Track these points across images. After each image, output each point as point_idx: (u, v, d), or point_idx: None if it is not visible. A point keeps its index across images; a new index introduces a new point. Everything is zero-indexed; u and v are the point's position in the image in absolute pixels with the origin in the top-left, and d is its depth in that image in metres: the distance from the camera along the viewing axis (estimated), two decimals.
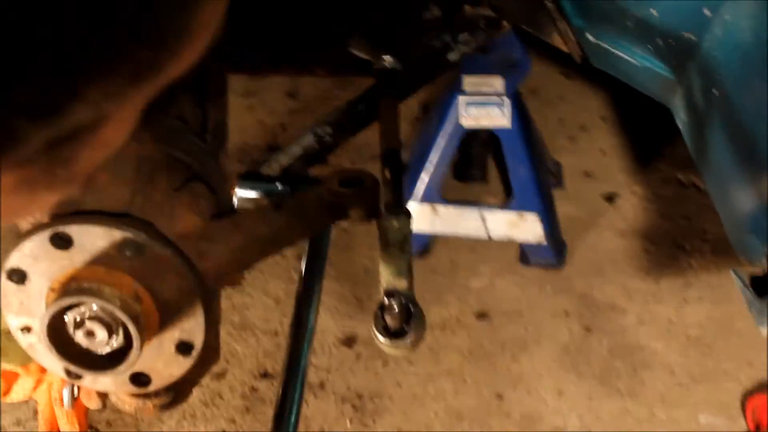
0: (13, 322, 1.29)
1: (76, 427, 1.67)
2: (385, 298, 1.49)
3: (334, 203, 1.42)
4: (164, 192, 1.32)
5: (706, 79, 1.63)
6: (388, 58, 1.84)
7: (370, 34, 1.88)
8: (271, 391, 2.52)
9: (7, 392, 1.64)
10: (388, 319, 1.53)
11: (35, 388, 1.65)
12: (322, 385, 2.57)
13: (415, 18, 1.97)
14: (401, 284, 1.56)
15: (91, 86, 0.44)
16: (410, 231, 1.64)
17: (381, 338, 1.54)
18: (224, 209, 1.46)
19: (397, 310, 1.51)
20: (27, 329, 1.30)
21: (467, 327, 2.74)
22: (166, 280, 1.25)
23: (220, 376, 2.60)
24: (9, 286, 1.26)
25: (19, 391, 1.64)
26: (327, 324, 2.72)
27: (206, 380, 2.58)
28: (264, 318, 2.75)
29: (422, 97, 3.38)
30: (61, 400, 1.58)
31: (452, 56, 2.02)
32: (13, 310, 1.28)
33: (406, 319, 1.54)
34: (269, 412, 2.47)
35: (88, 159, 0.50)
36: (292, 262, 2.81)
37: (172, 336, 1.29)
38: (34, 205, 0.52)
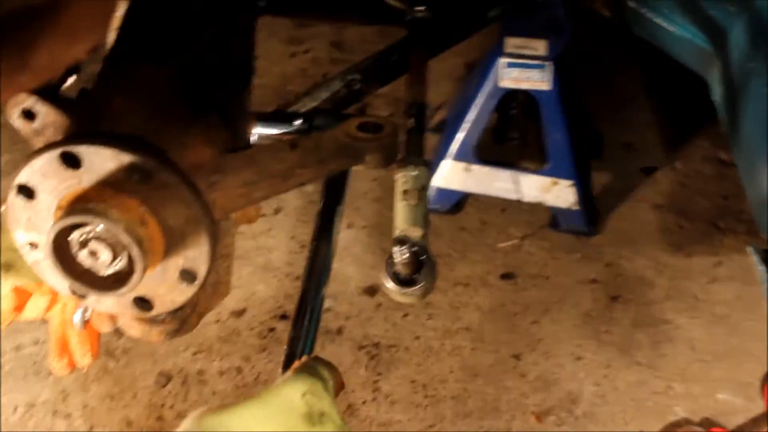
0: (21, 238, 1.31)
1: (88, 349, 1.69)
2: (396, 246, 1.49)
3: (350, 146, 1.42)
4: (179, 120, 1.33)
5: (751, 41, 1.61)
6: (421, 9, 1.83)
7: None
8: (288, 332, 2.54)
9: (20, 309, 1.67)
10: (398, 267, 1.53)
11: (49, 308, 1.67)
12: (339, 331, 2.59)
13: None
14: (415, 233, 1.57)
15: None
16: (428, 181, 1.64)
17: (389, 285, 1.54)
18: (240, 144, 1.47)
19: (407, 258, 1.51)
20: (33, 245, 1.31)
21: (491, 286, 2.74)
22: (173, 207, 1.26)
23: (239, 314, 2.63)
24: (18, 201, 1.27)
25: (32, 309, 1.66)
26: (351, 272, 2.73)
27: (225, 317, 2.61)
28: (288, 261, 2.77)
29: (468, 57, 3.36)
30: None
31: (491, 12, 2.00)
32: (21, 225, 1.30)
33: (416, 268, 1.54)
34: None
35: (50, 50, 0.49)
36: None
37: (176, 263, 1.30)
38: None
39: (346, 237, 2.82)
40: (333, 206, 1.69)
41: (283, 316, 2.62)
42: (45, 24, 0.47)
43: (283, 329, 2.58)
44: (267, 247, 2.82)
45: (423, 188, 1.60)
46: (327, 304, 2.63)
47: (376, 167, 1.45)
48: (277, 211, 2.91)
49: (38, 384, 2.46)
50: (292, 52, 3.47)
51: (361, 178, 3.00)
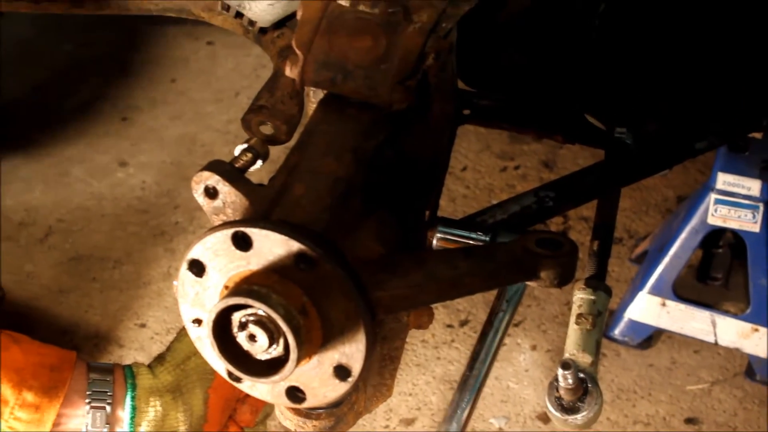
0: (187, 313, 1.33)
1: None
2: (561, 370, 1.44)
3: (525, 261, 1.38)
4: (353, 215, 1.33)
5: None
6: (621, 131, 1.79)
7: (609, 102, 1.83)
8: None
9: None
10: (562, 392, 1.48)
11: None
12: None
13: (663, 95, 1.90)
14: (584, 359, 1.51)
15: None
16: (605, 307, 1.58)
17: (551, 410, 1.49)
18: (413, 246, 1.45)
19: (572, 384, 1.45)
20: (198, 321, 1.33)
21: (672, 429, 2.61)
22: (335, 300, 1.25)
23: (409, 422, 2.59)
24: (188, 276, 1.29)
25: None
26: (528, 395, 2.66)
27: (394, 423, 2.58)
28: None
29: (681, 190, 3.29)
30: None
31: (699, 144, 1.92)
32: (189, 300, 1.32)
33: (580, 396, 1.48)
34: None
35: None
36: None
37: (331, 357, 1.29)
38: None
39: (529, 359, 2.76)
40: (501, 320, 1.64)
41: None
42: None
43: None
44: (448, 358, 2.78)
45: (599, 314, 1.55)
46: (498, 424, 2.57)
47: (550, 285, 1.40)
48: (462, 324, 2.88)
49: None
50: (503, 166, 3.47)
51: (553, 300, 2.95)
